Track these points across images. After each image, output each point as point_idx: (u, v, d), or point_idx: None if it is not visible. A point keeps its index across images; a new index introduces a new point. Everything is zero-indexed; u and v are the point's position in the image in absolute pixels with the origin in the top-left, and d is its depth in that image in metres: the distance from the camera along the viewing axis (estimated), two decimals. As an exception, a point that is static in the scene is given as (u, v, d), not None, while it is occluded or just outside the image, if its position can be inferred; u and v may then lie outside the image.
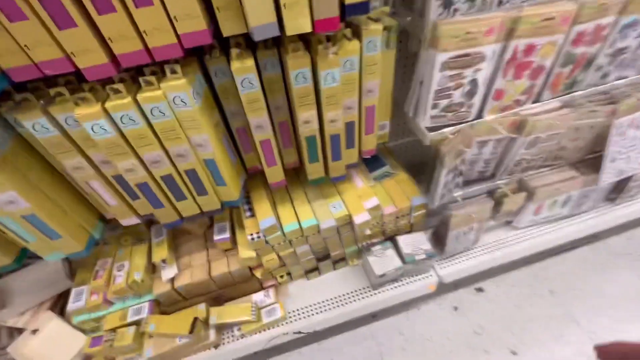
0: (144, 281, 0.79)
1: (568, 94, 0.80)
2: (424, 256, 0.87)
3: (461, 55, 0.65)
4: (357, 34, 0.58)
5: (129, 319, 0.79)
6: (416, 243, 0.89)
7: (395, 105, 0.79)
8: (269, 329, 0.87)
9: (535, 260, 1.10)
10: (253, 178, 0.86)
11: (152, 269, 0.84)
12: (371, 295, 0.91)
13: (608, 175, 0.88)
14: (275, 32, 0.47)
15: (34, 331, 0.86)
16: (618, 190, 1.01)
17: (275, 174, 0.72)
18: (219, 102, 0.63)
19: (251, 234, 0.77)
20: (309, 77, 0.56)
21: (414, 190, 0.87)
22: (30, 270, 0.94)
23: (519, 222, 0.99)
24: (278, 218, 0.80)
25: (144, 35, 0.44)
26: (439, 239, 0.96)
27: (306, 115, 0.62)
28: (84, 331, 0.83)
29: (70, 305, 0.80)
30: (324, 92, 0.59)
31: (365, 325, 1.02)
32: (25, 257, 0.68)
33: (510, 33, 0.65)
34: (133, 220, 0.72)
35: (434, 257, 0.88)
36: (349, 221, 0.81)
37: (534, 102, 0.78)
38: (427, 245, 0.89)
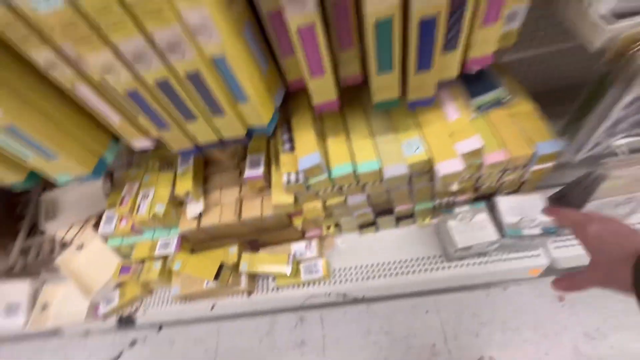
0: (166, 215, 0.67)
1: None
2: (537, 231, 0.58)
3: None
4: None
5: (157, 252, 0.71)
6: (526, 210, 0.60)
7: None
8: (307, 285, 0.72)
9: None
10: (297, 96, 0.62)
11: (179, 202, 0.72)
12: (443, 268, 0.68)
13: None
14: None
15: (80, 247, 0.85)
16: None
17: (322, 88, 0.47)
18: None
19: (287, 174, 0.57)
20: None
21: (541, 130, 0.55)
22: (78, 185, 0.92)
23: None
24: (326, 155, 0.58)
25: None
26: (563, 205, 0.64)
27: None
28: (119, 255, 0.80)
29: (102, 228, 0.74)
30: None
31: (430, 296, 0.82)
32: (37, 177, 0.60)
33: None
34: (143, 143, 0.57)
35: (552, 234, 0.58)
36: (428, 169, 0.55)
37: None
38: (543, 216, 0.59)
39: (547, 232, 0.58)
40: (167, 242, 0.72)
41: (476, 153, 0.53)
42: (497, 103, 0.59)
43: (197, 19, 0.35)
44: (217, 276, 0.66)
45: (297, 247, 0.73)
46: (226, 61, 0.40)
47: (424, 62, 0.43)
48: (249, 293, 0.75)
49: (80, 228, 0.88)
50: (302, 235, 0.76)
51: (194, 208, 0.67)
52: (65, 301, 0.85)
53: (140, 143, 0.57)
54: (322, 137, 0.60)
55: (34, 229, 0.99)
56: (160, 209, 0.67)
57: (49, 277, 0.91)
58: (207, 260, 0.69)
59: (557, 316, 0.74)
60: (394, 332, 0.80)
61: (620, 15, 0.40)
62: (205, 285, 0.69)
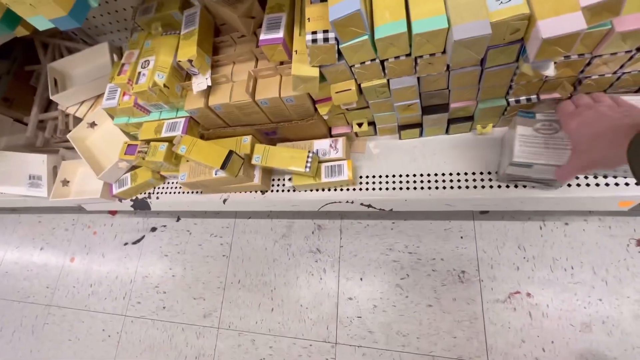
0: (169, 87, 0.57)
1: None
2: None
3: None
4: None
5: (164, 134, 0.63)
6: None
7: None
8: (328, 190, 0.63)
9: None
10: None
11: (183, 73, 0.60)
12: (492, 187, 0.54)
13: None
14: None
15: (92, 124, 0.80)
16: None
17: None
18: None
19: (313, 33, 0.41)
20: None
21: None
22: (85, 56, 0.83)
23: None
24: (369, 6, 0.41)
25: None
26: None
27: None
28: (127, 136, 0.73)
29: (104, 103, 0.66)
30: None
31: (470, 220, 0.71)
32: (14, 20, 0.49)
33: None
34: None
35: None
36: (524, 33, 0.37)
37: None
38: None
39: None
40: (175, 122, 0.63)
41: (610, 5, 0.33)
42: None
43: None
44: (224, 165, 0.57)
45: (321, 144, 0.61)
46: None
47: None
48: (263, 192, 0.68)
49: (92, 105, 0.81)
50: (328, 133, 0.63)
51: (198, 82, 0.56)
52: (84, 179, 0.84)
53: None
54: (366, -17, 0.42)
55: (50, 105, 0.95)
56: (160, 78, 0.56)
57: (68, 155, 0.89)
58: (216, 146, 0.59)
59: (627, 261, 0.61)
60: (420, 253, 0.72)
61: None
62: (215, 174, 0.62)
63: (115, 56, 0.78)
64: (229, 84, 0.57)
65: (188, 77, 0.60)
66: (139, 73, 0.59)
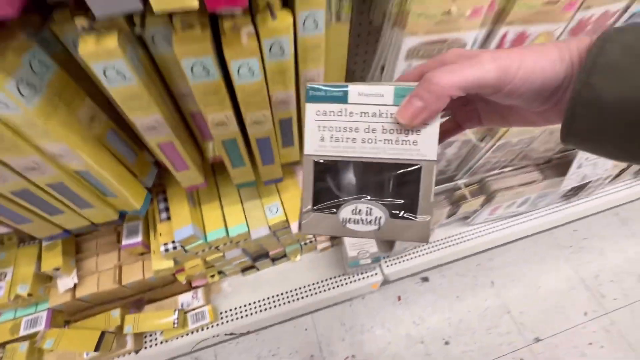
0: (32, 295, 0.65)
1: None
2: (369, 261, 0.80)
3: (435, 41, 0.49)
4: (289, 4, 0.39)
5: (22, 332, 0.67)
6: (364, 244, 0.81)
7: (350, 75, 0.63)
8: (196, 332, 0.79)
9: (483, 250, 1.09)
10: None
11: (47, 276, 0.69)
12: (313, 294, 0.85)
13: (571, 181, 0.82)
14: (135, 6, 0.28)
15: None
16: (577, 189, 0.97)
17: (189, 177, 0.57)
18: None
19: (165, 244, 0.64)
20: (212, 68, 0.38)
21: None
22: None
23: (474, 220, 0.93)
24: (202, 221, 0.67)
25: None
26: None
27: (217, 117, 0.45)
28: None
29: (-59, 319, 0.66)
30: (239, 90, 0.42)
31: (307, 315, 0.99)
32: None
33: (501, 16, 0.49)
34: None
35: (379, 262, 0.81)
36: (287, 226, 0.70)
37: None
38: (374, 247, 0.81)
39: (375, 261, 0.80)
40: (35, 318, 0.68)
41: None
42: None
43: (57, 150, 0.41)
44: (98, 346, 0.67)
45: (184, 298, 0.79)
46: (90, 173, 0.45)
47: (268, 159, 0.57)
48: (137, 351, 0.77)
49: None
50: (189, 286, 0.82)
51: (65, 282, 0.67)
52: None
53: (-6, 230, 0.55)
54: (197, 203, 0.69)
55: None
56: (23, 290, 0.64)
57: None
58: (85, 330, 0.69)
59: (396, 312, 1.00)
60: (280, 353, 0.94)
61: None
62: (86, 355, 0.69)
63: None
64: (95, 274, 0.70)
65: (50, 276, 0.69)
66: (-6, 286, 0.65)
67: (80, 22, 0.32)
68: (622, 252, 1.11)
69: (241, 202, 0.70)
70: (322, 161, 0.25)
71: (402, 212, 0.25)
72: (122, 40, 0.34)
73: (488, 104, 0.27)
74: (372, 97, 0.24)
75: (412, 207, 0.25)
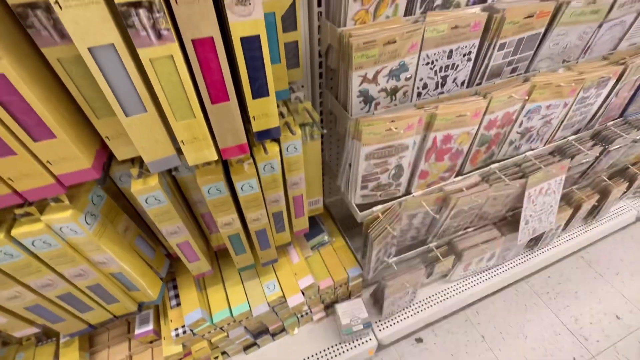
0: (48, 393, 0.69)
1: (487, 165, 0.86)
2: (361, 327, 0.87)
3: (385, 147, 0.66)
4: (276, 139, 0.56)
5: None
6: (355, 311, 0.89)
7: (328, 167, 0.79)
8: (202, 419, 0.81)
9: (468, 304, 1.16)
10: (180, 259, 0.80)
11: (61, 372, 0.74)
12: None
13: (524, 234, 0.96)
14: (177, 163, 0.43)
15: None
16: (536, 240, 1.11)
17: (199, 267, 0.68)
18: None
19: (176, 329, 0.71)
20: (223, 189, 0.53)
21: (351, 259, 0.88)
22: None
23: (452, 277, 1.03)
24: (208, 304, 0.75)
25: (8, 181, 0.37)
26: (377, 299, 0.97)
27: (225, 219, 0.58)
28: None
29: None
30: (242, 199, 0.56)
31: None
32: None
33: (429, 126, 0.67)
34: (29, 331, 0.62)
35: (370, 327, 0.88)
36: (284, 301, 0.79)
37: (457, 175, 0.82)
38: (364, 313, 0.89)
39: (366, 326, 0.87)
40: (45, 421, 0.71)
41: (312, 286, 0.80)
42: (324, 243, 0.90)
43: (102, 259, 0.52)
44: None
45: (189, 383, 0.82)
46: (123, 274, 0.56)
47: (264, 245, 0.70)
48: None
49: None
50: (193, 370, 0.86)
51: (80, 377, 0.71)
52: None
53: (25, 332, 0.63)
54: (203, 288, 0.78)
55: None
56: (40, 389, 0.68)
57: None
58: None
59: (396, 378, 1.03)
60: None
61: (364, 205, 0.77)
62: None
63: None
64: (106, 367, 0.75)
65: (63, 372, 0.74)
66: (11, 389, 0.69)
67: (134, 171, 0.47)
68: (593, 293, 1.20)
69: (242, 282, 0.80)
70: None
71: None
72: (160, 178, 0.48)
73: None
74: None
75: None
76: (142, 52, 0.32)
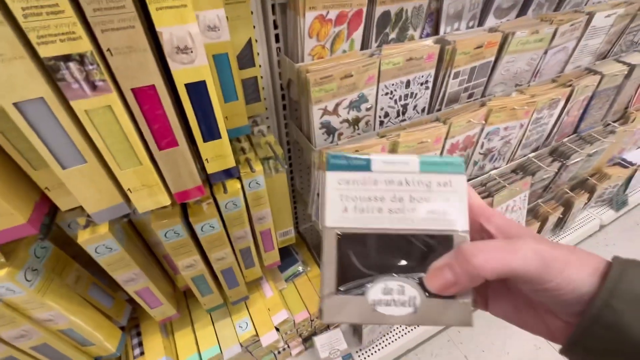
0: None
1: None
2: (340, 359, 0.84)
3: (350, 175, 0.66)
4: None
5: None
6: (333, 343, 0.86)
7: (300, 195, 0.77)
8: None
9: (450, 324, 1.16)
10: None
11: None
12: (292, 407, 0.84)
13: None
14: (126, 211, 0.41)
15: None
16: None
17: (162, 312, 0.63)
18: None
19: (140, 383, 0.66)
20: (181, 231, 0.50)
21: (327, 288, 0.85)
22: None
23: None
24: (175, 350, 0.70)
25: None
26: (356, 328, 0.95)
27: (186, 262, 0.56)
28: None
29: None
30: (204, 240, 0.54)
31: None
32: None
33: (393, 151, 0.68)
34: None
35: (350, 358, 0.85)
36: (257, 340, 0.75)
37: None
38: (344, 344, 0.86)
39: (347, 357, 0.84)
40: None
41: (286, 321, 0.77)
42: (298, 273, 0.88)
43: (48, 316, 0.48)
44: None
45: None
46: (73, 329, 0.52)
47: (232, 283, 0.67)
48: None
49: None
50: None
51: None
52: None
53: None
54: (170, 332, 0.73)
55: None
56: None
57: None
58: None
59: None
60: None
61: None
62: None
63: None
64: None
65: None
66: None
67: (81, 220, 0.44)
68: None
69: (212, 323, 0.75)
70: (346, 233, 0.23)
71: None
72: (111, 225, 0.46)
73: (508, 291, 0.25)
74: (397, 164, 0.23)
75: None
76: (75, 104, 0.30)
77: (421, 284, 0.22)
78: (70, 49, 0.28)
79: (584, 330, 0.20)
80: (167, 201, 0.42)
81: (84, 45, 0.28)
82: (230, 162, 0.44)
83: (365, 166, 0.23)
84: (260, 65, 0.61)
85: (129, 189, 0.38)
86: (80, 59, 0.28)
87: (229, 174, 0.45)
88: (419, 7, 0.63)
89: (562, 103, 0.88)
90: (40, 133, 0.31)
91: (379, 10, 0.59)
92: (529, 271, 0.20)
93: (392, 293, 0.22)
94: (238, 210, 0.56)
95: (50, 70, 0.28)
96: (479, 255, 0.20)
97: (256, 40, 0.55)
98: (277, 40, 0.60)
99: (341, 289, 0.22)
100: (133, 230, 0.55)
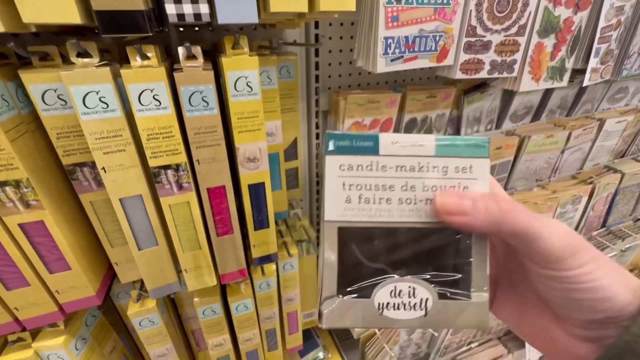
0: None
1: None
2: None
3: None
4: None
5: None
6: None
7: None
8: None
9: None
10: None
11: None
12: None
13: (533, 352, 0.90)
14: (177, 289, 0.45)
15: None
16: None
17: (182, 393, 0.62)
18: (119, 323, 0.56)
19: None
20: (218, 309, 0.53)
21: (348, 380, 0.80)
22: None
23: (461, 403, 0.93)
24: None
25: (14, 311, 0.39)
26: None
27: (216, 340, 0.57)
28: None
29: None
30: (236, 320, 0.56)
31: None
32: None
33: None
34: None
35: None
36: None
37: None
38: None
39: None
40: None
41: None
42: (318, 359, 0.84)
43: (81, 387, 0.49)
44: None
45: None
46: (99, 405, 0.52)
47: (256, 366, 0.65)
48: None
49: None
50: None
51: None
52: None
53: None
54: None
55: None
56: None
57: None
58: None
59: None
60: None
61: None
62: None
63: None
64: None
65: None
66: None
67: (134, 293, 0.48)
68: None
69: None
70: (349, 227, 0.20)
71: (453, 290, 0.20)
72: (157, 300, 0.49)
73: (516, 292, 0.23)
74: (409, 147, 0.20)
75: (464, 283, 0.20)
76: (164, 200, 0.38)
77: (433, 283, 0.20)
78: (171, 161, 0.36)
79: (612, 357, 0.18)
80: (213, 282, 0.46)
81: (182, 158, 0.36)
82: (273, 248, 0.49)
83: (372, 148, 0.20)
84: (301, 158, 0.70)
85: (185, 270, 0.43)
86: (176, 167, 0.36)
87: (269, 259, 0.50)
88: (442, 115, 0.73)
89: (585, 199, 0.90)
90: (131, 220, 0.38)
91: (407, 117, 0.69)
92: (554, 246, 0.18)
93: (401, 295, 0.20)
94: (270, 291, 0.58)
95: (152, 175, 0.36)
96: (509, 205, 0.18)
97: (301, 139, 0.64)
98: (317, 138, 0.70)
99: (343, 291, 0.20)
100: (171, 304, 0.59)
